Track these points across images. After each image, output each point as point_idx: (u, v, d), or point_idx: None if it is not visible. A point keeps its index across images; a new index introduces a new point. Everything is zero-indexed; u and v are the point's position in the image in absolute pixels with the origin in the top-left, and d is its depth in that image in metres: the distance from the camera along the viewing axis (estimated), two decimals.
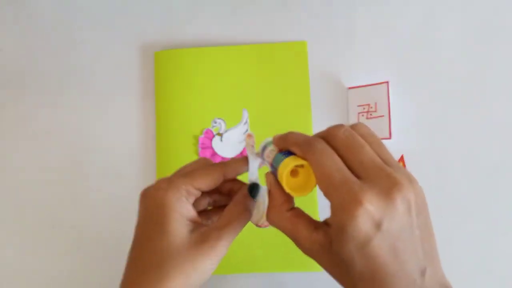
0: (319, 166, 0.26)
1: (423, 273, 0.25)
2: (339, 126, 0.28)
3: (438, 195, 0.47)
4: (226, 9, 0.56)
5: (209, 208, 0.37)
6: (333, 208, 0.26)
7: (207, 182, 0.32)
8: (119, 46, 0.56)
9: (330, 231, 0.27)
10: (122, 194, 0.52)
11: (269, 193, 0.30)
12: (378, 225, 0.24)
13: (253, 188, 0.33)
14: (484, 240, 0.49)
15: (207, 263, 0.30)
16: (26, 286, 0.52)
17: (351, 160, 0.27)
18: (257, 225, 0.34)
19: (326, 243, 0.27)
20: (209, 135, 0.52)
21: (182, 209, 0.31)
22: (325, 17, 0.55)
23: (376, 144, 0.28)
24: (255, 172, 0.34)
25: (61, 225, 0.52)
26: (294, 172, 0.28)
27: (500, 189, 0.50)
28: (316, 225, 0.28)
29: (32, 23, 0.57)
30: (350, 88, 0.52)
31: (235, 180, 0.35)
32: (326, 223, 0.28)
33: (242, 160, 0.34)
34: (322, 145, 0.27)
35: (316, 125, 0.52)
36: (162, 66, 0.54)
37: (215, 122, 0.52)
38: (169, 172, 0.35)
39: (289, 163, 0.28)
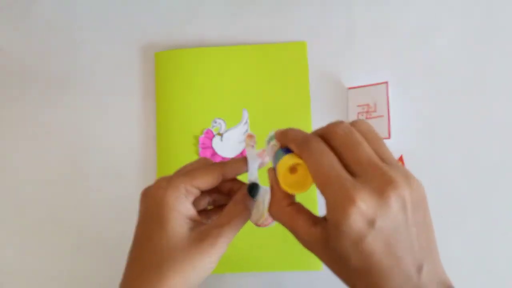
0: (314, 165, 0.27)
1: (419, 269, 0.26)
2: (339, 122, 0.28)
3: (437, 195, 0.47)
4: (226, 10, 0.56)
5: (210, 208, 0.37)
6: (328, 206, 0.26)
7: (206, 181, 0.33)
8: (120, 46, 0.56)
9: (327, 227, 0.27)
10: (122, 194, 0.52)
11: (271, 188, 0.31)
12: (371, 223, 0.25)
13: (253, 188, 0.34)
14: (484, 240, 0.49)
15: (206, 261, 0.30)
16: (26, 286, 0.52)
17: (348, 157, 0.27)
18: (256, 225, 0.35)
19: (324, 238, 0.27)
20: (209, 135, 0.52)
21: (181, 208, 0.31)
22: (325, 17, 0.55)
23: (375, 141, 0.28)
24: (254, 172, 0.34)
25: (61, 225, 0.52)
26: (293, 169, 0.29)
27: (499, 189, 0.50)
28: (315, 221, 0.28)
29: (32, 23, 0.57)
30: (349, 88, 0.53)
31: (235, 180, 0.35)
32: (325, 218, 0.28)
33: (242, 160, 0.35)
34: (318, 144, 0.27)
35: (316, 125, 0.52)
36: (162, 66, 0.54)
37: (215, 122, 0.52)
38: (169, 172, 0.35)
39: (286, 162, 0.28)
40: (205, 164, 0.34)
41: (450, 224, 0.49)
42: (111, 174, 0.53)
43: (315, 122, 0.52)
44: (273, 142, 0.32)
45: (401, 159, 0.51)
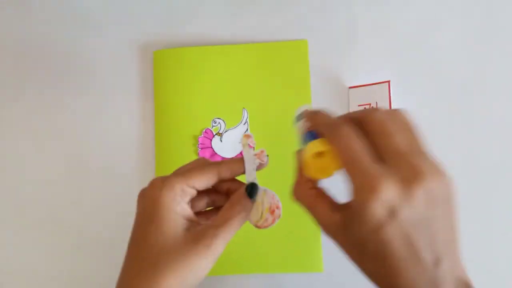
0: (343, 150, 0.27)
1: (437, 263, 0.26)
2: (376, 110, 0.29)
3: None
4: (226, 8, 0.55)
5: (208, 208, 0.37)
6: (352, 191, 0.26)
7: (201, 181, 0.32)
8: (118, 45, 0.56)
9: (347, 213, 0.27)
10: (121, 194, 0.52)
11: (297, 168, 0.31)
12: (392, 212, 0.25)
13: (251, 189, 0.33)
14: (484, 240, 0.49)
15: (202, 262, 0.30)
16: (26, 286, 0.52)
17: (381, 145, 0.27)
18: (256, 226, 0.34)
19: (343, 223, 0.27)
20: (209, 135, 0.52)
21: (177, 208, 0.31)
22: (326, 16, 0.54)
23: (409, 132, 0.28)
24: (253, 173, 0.34)
25: (61, 225, 0.52)
26: (319, 154, 0.29)
27: (500, 189, 0.50)
28: (336, 206, 0.29)
29: (32, 23, 0.57)
30: (351, 87, 0.52)
31: (233, 180, 0.35)
32: (346, 205, 0.28)
33: (238, 160, 0.34)
34: (348, 129, 0.27)
35: None
36: (161, 65, 0.54)
37: (215, 122, 0.52)
38: (168, 172, 0.35)
39: (311, 148, 0.29)
40: (202, 164, 0.34)
41: None
42: (110, 174, 0.53)
43: None
44: (302, 121, 0.32)
45: None
